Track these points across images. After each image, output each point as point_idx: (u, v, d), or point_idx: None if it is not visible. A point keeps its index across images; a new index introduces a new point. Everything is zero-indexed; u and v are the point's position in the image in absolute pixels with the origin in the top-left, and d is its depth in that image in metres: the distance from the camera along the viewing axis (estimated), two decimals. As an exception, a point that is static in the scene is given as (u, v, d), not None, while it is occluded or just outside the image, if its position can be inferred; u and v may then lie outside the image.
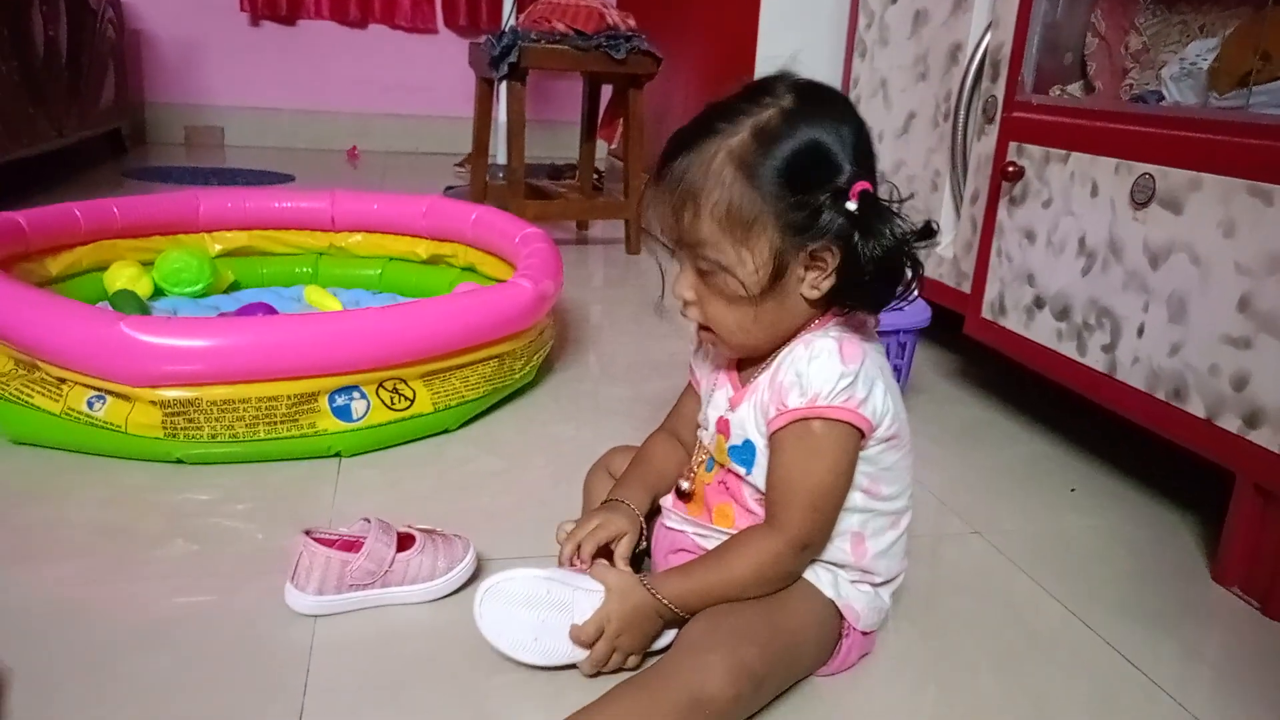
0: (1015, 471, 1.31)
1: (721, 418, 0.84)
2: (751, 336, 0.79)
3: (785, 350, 0.79)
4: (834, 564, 0.81)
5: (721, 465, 0.85)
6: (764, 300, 0.75)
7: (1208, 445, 1.05)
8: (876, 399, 0.76)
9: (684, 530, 0.87)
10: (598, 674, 0.79)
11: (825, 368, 0.74)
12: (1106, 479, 1.29)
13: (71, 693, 0.75)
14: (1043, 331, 1.32)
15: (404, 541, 0.91)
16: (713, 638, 0.72)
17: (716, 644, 0.71)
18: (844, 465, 0.77)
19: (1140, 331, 1.14)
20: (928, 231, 0.75)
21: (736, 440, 0.82)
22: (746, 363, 0.84)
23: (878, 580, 0.83)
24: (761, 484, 0.80)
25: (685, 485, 0.88)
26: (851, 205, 0.72)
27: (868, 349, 0.77)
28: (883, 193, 0.75)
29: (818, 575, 0.80)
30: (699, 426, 0.89)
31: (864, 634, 0.82)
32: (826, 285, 0.75)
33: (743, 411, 0.81)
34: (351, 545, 0.89)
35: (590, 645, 0.77)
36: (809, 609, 0.79)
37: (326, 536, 0.90)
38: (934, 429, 1.43)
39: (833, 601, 0.80)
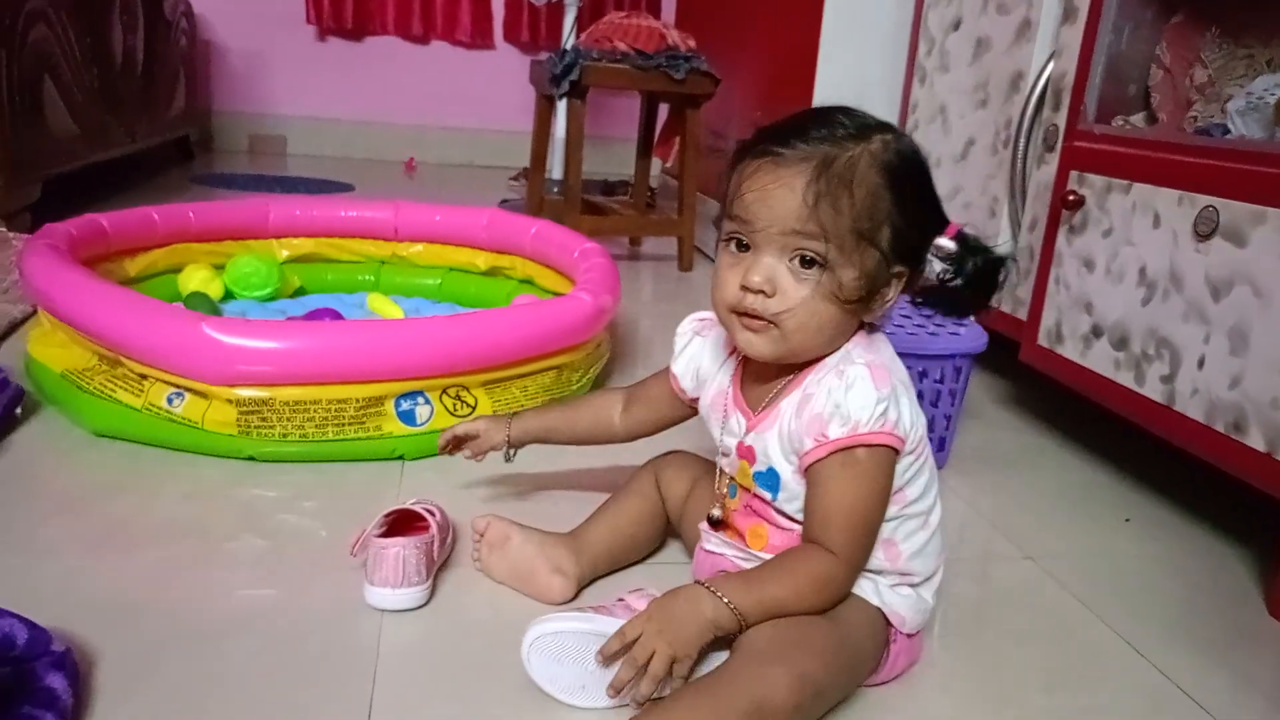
0: (1068, 498, 1.31)
1: (741, 443, 0.85)
2: (813, 338, 0.77)
3: (812, 376, 0.80)
4: (871, 571, 0.83)
5: (746, 490, 0.86)
6: (845, 306, 0.76)
7: (1268, 479, 1.04)
8: (906, 415, 0.78)
9: (724, 553, 0.89)
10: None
11: (862, 395, 0.75)
12: (1160, 508, 1.29)
13: (153, 676, 0.79)
14: (1100, 360, 1.32)
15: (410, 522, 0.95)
16: (777, 649, 0.73)
17: (781, 656, 0.72)
18: (886, 487, 0.79)
19: (1200, 363, 1.14)
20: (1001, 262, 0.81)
21: (761, 467, 0.83)
22: (753, 390, 0.85)
23: (916, 580, 0.84)
24: (788, 508, 0.82)
25: (716, 513, 0.89)
26: (947, 242, 0.78)
27: (890, 365, 0.80)
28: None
29: (860, 585, 0.82)
30: (720, 454, 0.90)
31: (909, 637, 0.84)
32: (889, 307, 0.80)
33: (768, 438, 0.82)
34: (404, 525, 0.95)
35: (617, 657, 0.74)
36: (861, 619, 0.80)
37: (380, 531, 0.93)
38: (987, 454, 1.43)
39: (879, 609, 0.82)
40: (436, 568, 0.95)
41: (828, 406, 0.76)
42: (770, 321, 0.76)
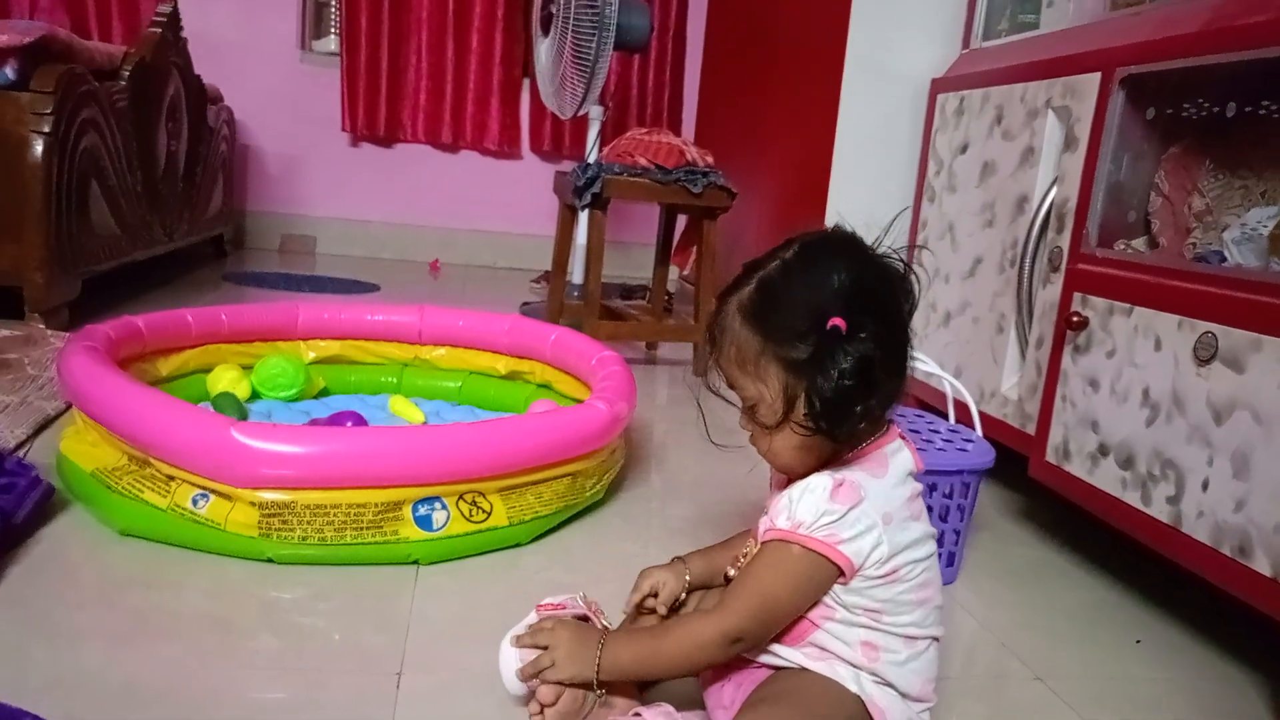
0: (1077, 616, 1.31)
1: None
2: (782, 461, 0.84)
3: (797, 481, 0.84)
4: (850, 664, 0.84)
5: None
6: (782, 430, 0.81)
7: (1274, 604, 1.05)
8: (865, 542, 0.79)
9: None
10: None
11: (813, 501, 0.80)
12: (1171, 629, 1.29)
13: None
14: (1107, 479, 1.33)
15: None
16: None
17: None
18: (804, 588, 0.81)
19: (1205, 485, 1.15)
20: (865, 373, 0.76)
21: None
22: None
23: (898, 692, 0.84)
24: None
25: (732, 572, 0.93)
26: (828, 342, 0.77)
27: (871, 492, 0.80)
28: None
29: (837, 671, 0.83)
30: None
31: None
32: (851, 424, 0.80)
33: (758, 528, 0.89)
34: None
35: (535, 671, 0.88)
36: (839, 704, 0.81)
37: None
38: (997, 569, 1.44)
39: (859, 698, 0.82)
40: None
41: (783, 500, 0.83)
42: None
